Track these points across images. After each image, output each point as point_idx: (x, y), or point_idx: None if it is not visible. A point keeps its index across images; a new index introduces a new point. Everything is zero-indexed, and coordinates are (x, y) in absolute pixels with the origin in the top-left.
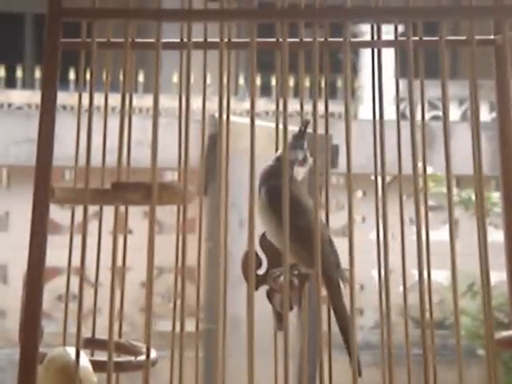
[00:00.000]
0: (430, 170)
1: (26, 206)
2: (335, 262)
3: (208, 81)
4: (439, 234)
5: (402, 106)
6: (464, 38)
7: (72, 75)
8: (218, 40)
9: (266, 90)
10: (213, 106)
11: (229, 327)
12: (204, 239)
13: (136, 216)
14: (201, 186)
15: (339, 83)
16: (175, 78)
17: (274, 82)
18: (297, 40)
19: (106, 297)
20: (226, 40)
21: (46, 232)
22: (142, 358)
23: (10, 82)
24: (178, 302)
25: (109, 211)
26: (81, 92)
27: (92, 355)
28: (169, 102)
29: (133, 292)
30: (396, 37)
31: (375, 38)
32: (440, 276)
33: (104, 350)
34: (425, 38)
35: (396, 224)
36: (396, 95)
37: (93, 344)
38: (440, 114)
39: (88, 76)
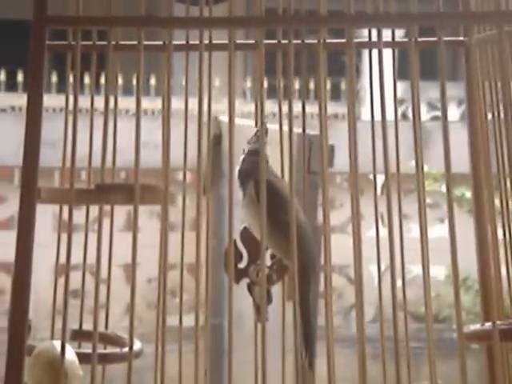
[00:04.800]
0: (425, 168)
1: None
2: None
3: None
4: (435, 231)
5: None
6: (435, 39)
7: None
8: (197, 42)
9: (273, 93)
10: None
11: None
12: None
13: (145, 214)
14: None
15: (343, 86)
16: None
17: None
18: (275, 41)
19: (115, 292)
20: (206, 42)
21: (33, 232)
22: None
23: (25, 87)
24: (185, 297)
25: (119, 210)
26: (93, 95)
27: (79, 347)
28: (177, 104)
29: (141, 287)
30: (370, 38)
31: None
32: (436, 271)
33: (90, 341)
34: (397, 40)
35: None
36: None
37: (80, 336)
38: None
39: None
